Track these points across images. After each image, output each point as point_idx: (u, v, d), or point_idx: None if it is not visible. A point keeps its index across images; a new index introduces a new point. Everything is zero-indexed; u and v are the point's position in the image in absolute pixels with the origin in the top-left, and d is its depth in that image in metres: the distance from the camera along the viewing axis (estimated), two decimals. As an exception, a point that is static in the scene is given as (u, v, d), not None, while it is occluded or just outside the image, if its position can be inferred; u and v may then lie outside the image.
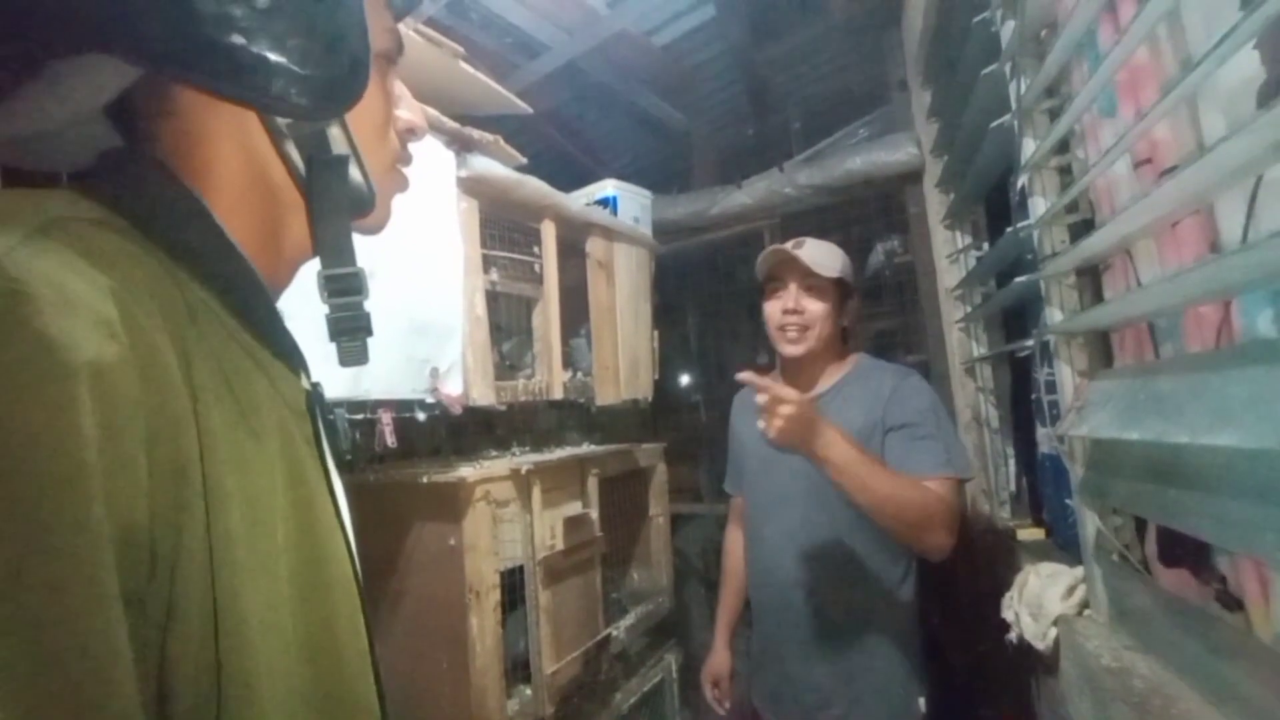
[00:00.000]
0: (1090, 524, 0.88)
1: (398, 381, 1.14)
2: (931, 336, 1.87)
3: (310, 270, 0.45)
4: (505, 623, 1.24)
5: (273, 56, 0.34)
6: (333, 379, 0.83)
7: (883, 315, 2.20)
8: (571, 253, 1.67)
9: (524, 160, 1.49)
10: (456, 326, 1.26)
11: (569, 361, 1.70)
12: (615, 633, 1.55)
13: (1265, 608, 0.61)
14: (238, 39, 0.33)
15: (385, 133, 0.47)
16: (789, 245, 1.22)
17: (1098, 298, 0.90)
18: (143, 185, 0.36)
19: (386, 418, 1.14)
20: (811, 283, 1.21)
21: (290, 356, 0.42)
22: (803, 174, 2.08)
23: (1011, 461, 1.54)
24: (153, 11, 0.32)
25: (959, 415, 1.70)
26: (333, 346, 0.47)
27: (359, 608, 0.42)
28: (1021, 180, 0.97)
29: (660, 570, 1.85)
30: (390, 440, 1.14)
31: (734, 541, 1.48)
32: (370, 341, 0.48)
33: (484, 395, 1.31)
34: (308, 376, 0.45)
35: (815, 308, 1.21)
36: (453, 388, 1.24)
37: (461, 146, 1.29)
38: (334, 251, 0.43)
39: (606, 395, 1.70)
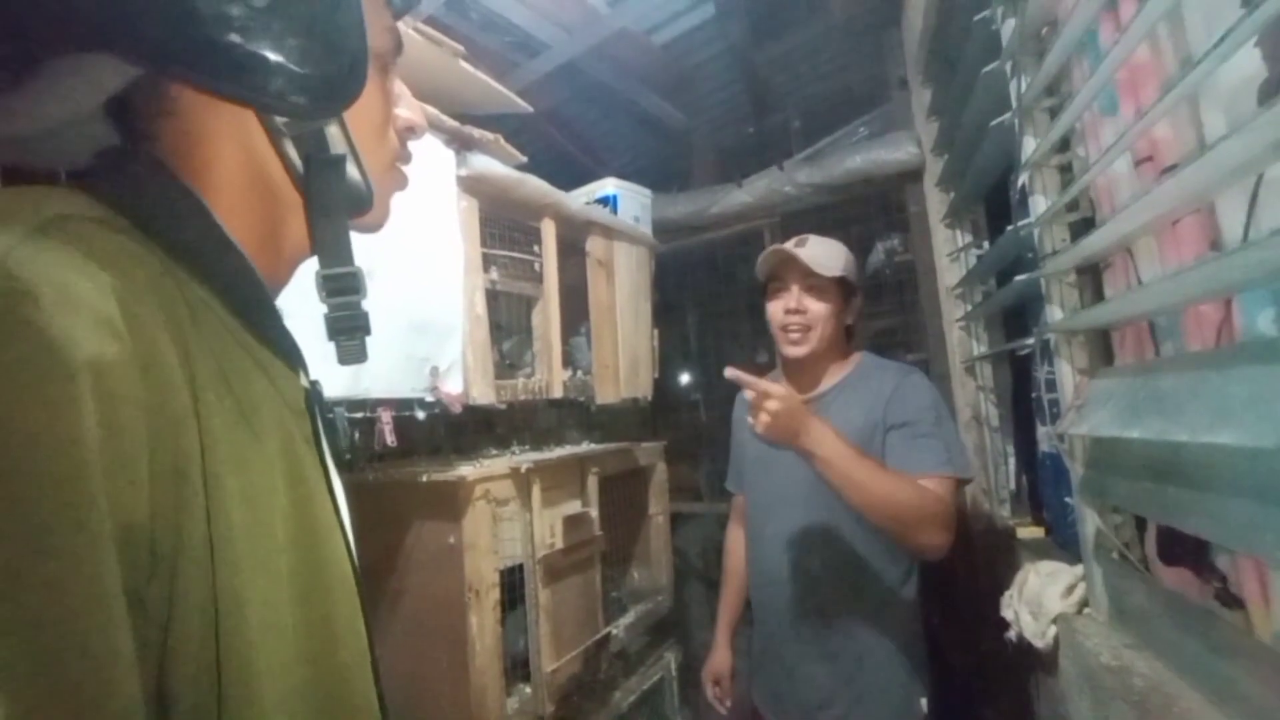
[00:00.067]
0: (1090, 522, 0.88)
1: (397, 380, 1.14)
2: (932, 335, 1.87)
3: (309, 269, 0.45)
4: (505, 621, 1.24)
5: (271, 55, 0.34)
6: (332, 377, 0.83)
7: (883, 314, 2.20)
8: (571, 251, 1.67)
9: (524, 159, 1.49)
10: (456, 325, 1.26)
11: (569, 360, 1.69)
12: (615, 631, 1.55)
13: (1265, 606, 0.61)
14: (236, 38, 0.33)
15: (384, 131, 0.47)
16: (791, 244, 1.21)
17: (1098, 296, 0.90)
18: (142, 184, 0.36)
19: (386, 416, 1.14)
20: (813, 282, 1.20)
21: (289, 355, 0.42)
22: (803, 173, 2.07)
23: (1012, 460, 1.54)
24: (152, 11, 0.32)
25: (959, 414, 1.69)
26: (332, 345, 0.47)
27: (358, 607, 0.42)
28: (1022, 178, 0.97)
29: (660, 569, 1.85)
30: (390, 439, 1.14)
31: (735, 540, 1.48)
32: (370, 340, 0.48)
33: (484, 394, 1.31)
34: (306, 375, 0.45)
35: (817, 308, 1.20)
36: (452, 386, 1.24)
37: (461, 145, 1.29)
38: (332, 251, 0.43)
39: (606, 394, 1.70)
